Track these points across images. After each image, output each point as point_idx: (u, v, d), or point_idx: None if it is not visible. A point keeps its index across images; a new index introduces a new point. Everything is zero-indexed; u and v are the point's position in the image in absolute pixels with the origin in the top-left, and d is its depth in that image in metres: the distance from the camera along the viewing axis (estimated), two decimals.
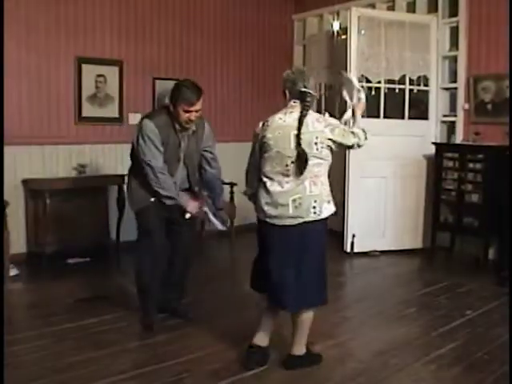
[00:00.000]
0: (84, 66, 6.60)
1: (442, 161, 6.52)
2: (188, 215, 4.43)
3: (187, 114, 4.18)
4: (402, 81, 6.91)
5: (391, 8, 7.54)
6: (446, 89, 7.14)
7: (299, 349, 3.75)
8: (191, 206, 4.43)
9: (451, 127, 7.05)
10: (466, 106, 6.77)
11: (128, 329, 4.45)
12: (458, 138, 6.82)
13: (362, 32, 6.74)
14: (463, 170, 6.34)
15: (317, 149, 3.45)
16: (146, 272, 4.48)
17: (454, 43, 6.94)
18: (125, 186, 6.52)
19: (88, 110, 6.70)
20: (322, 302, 3.68)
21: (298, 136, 3.40)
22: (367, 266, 6.49)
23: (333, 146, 3.54)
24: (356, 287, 5.91)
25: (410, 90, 6.96)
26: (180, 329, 4.43)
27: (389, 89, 6.84)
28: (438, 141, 6.93)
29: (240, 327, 4.44)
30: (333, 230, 7.64)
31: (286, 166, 3.46)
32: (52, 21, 6.34)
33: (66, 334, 4.28)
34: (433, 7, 7.12)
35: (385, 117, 6.83)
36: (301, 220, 3.46)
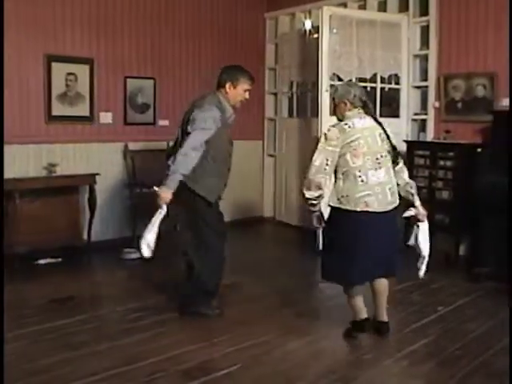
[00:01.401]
0: (54, 65, 6.52)
1: (413, 158, 6.56)
2: None
3: (247, 93, 4.59)
4: (373, 79, 6.95)
5: (363, 7, 7.57)
6: (417, 87, 7.20)
7: (386, 314, 4.32)
8: None
9: (422, 125, 7.11)
10: (437, 105, 6.82)
11: (100, 330, 4.42)
12: (429, 136, 6.88)
13: (334, 31, 6.76)
14: (434, 167, 6.39)
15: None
16: (220, 272, 4.63)
17: (425, 42, 6.99)
18: (96, 186, 6.53)
19: (58, 109, 6.62)
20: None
21: (386, 134, 4.11)
22: None
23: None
24: (329, 285, 5.90)
25: (382, 89, 7.00)
26: (151, 329, 4.40)
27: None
28: (409, 139, 6.98)
29: (211, 326, 4.46)
30: (304, 227, 7.69)
31: (377, 159, 4.01)
32: (21, 18, 6.25)
33: (39, 336, 4.23)
34: (404, 6, 7.17)
35: None
36: (394, 205, 4.12)
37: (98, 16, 6.88)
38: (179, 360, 3.85)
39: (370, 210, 3.99)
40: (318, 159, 4.02)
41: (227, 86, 4.52)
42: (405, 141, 6.77)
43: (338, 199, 4.04)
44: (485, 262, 5.67)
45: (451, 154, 6.26)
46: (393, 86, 7.07)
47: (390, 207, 4.08)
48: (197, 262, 4.57)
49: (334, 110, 4.26)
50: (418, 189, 6.45)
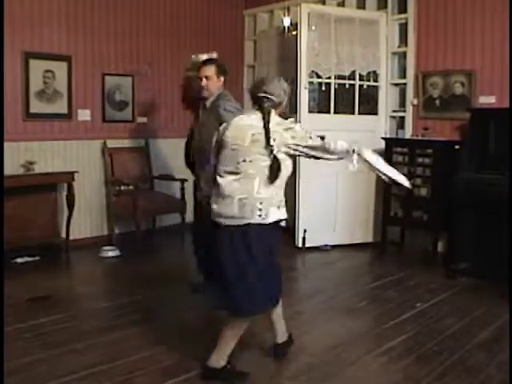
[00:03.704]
0: (32, 62, 6.46)
1: (392, 155, 6.60)
2: None
3: (199, 80, 4.75)
4: (352, 76, 6.97)
5: (341, 4, 7.60)
6: (396, 84, 7.23)
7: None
8: None
9: (400, 122, 7.15)
10: (415, 102, 6.87)
11: (78, 328, 4.39)
12: (408, 133, 6.92)
13: (313, 28, 6.78)
14: (412, 164, 6.43)
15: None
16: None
17: (403, 39, 7.03)
18: (75, 184, 6.50)
19: (36, 106, 6.55)
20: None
21: (267, 136, 3.37)
22: (319, 261, 6.54)
23: (291, 152, 3.49)
24: (308, 282, 5.94)
25: (360, 86, 7.02)
26: (129, 328, 4.38)
27: (339, 84, 6.89)
28: (388, 136, 7.01)
29: (189, 325, 4.46)
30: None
31: (238, 163, 3.43)
32: None
33: (16, 335, 4.19)
34: (382, 4, 7.21)
35: (335, 112, 6.88)
36: (242, 221, 3.39)
37: (75, 13, 6.81)
38: (158, 358, 3.84)
39: (217, 220, 3.48)
40: None
41: None
42: (383, 138, 6.81)
43: None
44: (462, 258, 5.72)
45: (429, 151, 6.31)
46: (371, 83, 7.09)
47: (230, 222, 3.41)
48: None
49: None
50: (397, 186, 6.55)
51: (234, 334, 3.55)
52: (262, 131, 3.38)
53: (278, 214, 3.45)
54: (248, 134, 3.41)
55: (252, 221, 3.37)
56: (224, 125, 3.67)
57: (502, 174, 5.34)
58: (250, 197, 3.37)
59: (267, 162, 3.37)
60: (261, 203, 3.37)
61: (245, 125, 3.48)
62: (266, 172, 3.38)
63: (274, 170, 3.37)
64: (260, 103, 3.53)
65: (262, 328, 4.13)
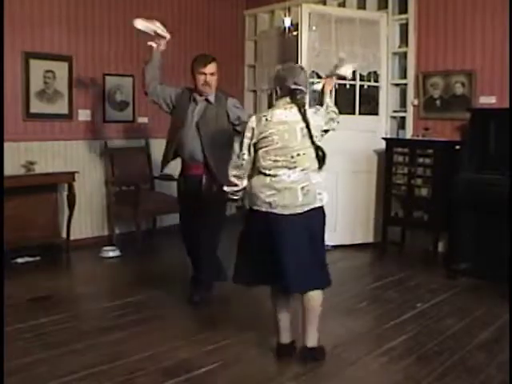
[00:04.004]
0: (32, 62, 6.46)
1: (393, 156, 6.61)
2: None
3: (202, 77, 4.75)
4: (352, 77, 6.95)
5: (342, 4, 7.60)
6: (396, 85, 7.23)
7: (312, 339, 3.82)
8: None
9: (401, 123, 7.15)
10: (416, 102, 6.87)
11: (78, 328, 4.39)
12: (408, 134, 6.92)
13: (313, 28, 6.78)
14: (413, 164, 6.43)
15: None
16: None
17: (404, 40, 7.03)
18: (75, 184, 6.49)
19: (36, 107, 6.56)
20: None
21: (309, 130, 3.60)
22: None
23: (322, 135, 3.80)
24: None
25: (361, 86, 7.02)
26: (130, 328, 4.39)
27: (340, 85, 6.88)
28: (389, 136, 7.01)
29: (190, 325, 4.47)
30: None
31: (292, 157, 3.60)
32: None
33: (16, 335, 4.19)
34: (383, 4, 7.21)
35: None
36: (309, 207, 3.64)
37: (76, 13, 6.82)
38: (159, 358, 3.84)
39: (274, 211, 3.62)
40: (237, 151, 3.91)
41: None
42: (384, 138, 6.81)
43: (249, 198, 3.76)
44: (462, 258, 5.72)
45: (430, 151, 6.31)
46: (372, 83, 7.09)
47: (300, 210, 3.62)
48: None
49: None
50: (397, 186, 6.57)
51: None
52: (303, 124, 3.59)
53: (326, 196, 3.76)
54: (297, 129, 3.59)
55: (316, 205, 3.67)
56: (257, 121, 3.66)
57: (502, 174, 5.35)
58: (310, 184, 3.63)
59: (314, 151, 3.63)
60: (319, 188, 3.69)
61: (291, 121, 3.60)
62: (315, 160, 3.66)
63: (321, 158, 3.66)
64: (293, 96, 3.65)
65: (262, 328, 4.14)
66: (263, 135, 3.61)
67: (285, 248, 3.59)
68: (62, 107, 6.78)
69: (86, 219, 6.98)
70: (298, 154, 3.59)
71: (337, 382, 3.61)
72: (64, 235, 6.65)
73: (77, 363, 3.74)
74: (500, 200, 5.22)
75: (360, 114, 7.05)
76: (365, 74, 7.03)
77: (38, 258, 6.30)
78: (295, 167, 3.60)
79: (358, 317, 4.74)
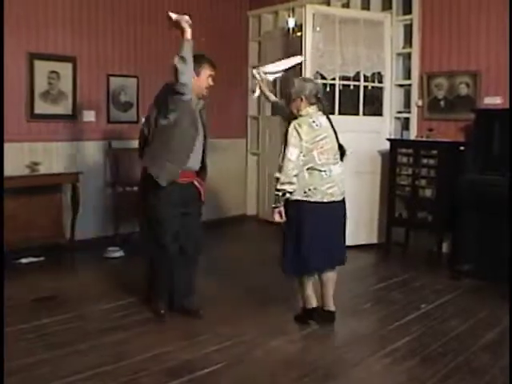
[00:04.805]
0: (36, 62, 6.47)
1: (397, 157, 6.60)
2: None
3: (211, 78, 4.73)
4: (356, 77, 6.97)
5: (346, 5, 7.60)
6: (400, 85, 7.23)
7: (332, 304, 4.51)
8: None
9: (405, 123, 7.14)
10: (420, 103, 6.86)
11: (82, 329, 4.39)
12: (412, 135, 6.91)
13: (317, 29, 6.77)
14: (417, 165, 6.42)
15: None
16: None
17: (408, 40, 7.03)
18: (79, 184, 6.50)
19: (41, 107, 6.57)
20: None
21: (335, 133, 4.36)
22: None
23: None
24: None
25: (365, 87, 7.03)
26: (134, 328, 4.40)
27: (344, 85, 6.89)
28: (393, 137, 7.01)
29: (193, 325, 4.46)
30: None
31: (335, 154, 4.32)
32: (3, 16, 6.19)
33: (19, 335, 4.19)
34: (387, 5, 7.20)
35: (340, 113, 6.86)
36: (344, 195, 4.42)
37: (80, 14, 6.83)
38: (163, 359, 3.84)
39: (334, 199, 4.30)
40: (293, 154, 4.16)
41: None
42: (388, 139, 6.80)
43: (305, 192, 4.22)
44: (466, 259, 5.71)
45: (434, 152, 6.30)
46: (376, 84, 7.09)
47: (341, 197, 4.39)
48: None
49: (288, 104, 4.41)
50: (401, 187, 6.56)
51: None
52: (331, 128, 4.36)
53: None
54: (332, 132, 4.33)
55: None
56: (308, 128, 4.20)
57: (502, 175, 5.34)
58: (343, 175, 4.41)
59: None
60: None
61: (328, 125, 4.32)
62: None
63: (344, 153, 4.41)
64: (319, 104, 4.35)
65: (264, 329, 4.13)
66: (318, 138, 4.21)
67: (343, 228, 4.45)
68: (66, 108, 6.79)
69: (90, 220, 6.98)
70: (337, 153, 4.33)
71: (340, 383, 3.61)
72: (68, 235, 6.66)
73: (80, 363, 3.74)
74: (501, 201, 5.21)
75: (364, 114, 7.05)
76: (369, 74, 7.02)
77: (41, 259, 6.31)
78: (337, 162, 4.33)
79: (362, 318, 4.73)
